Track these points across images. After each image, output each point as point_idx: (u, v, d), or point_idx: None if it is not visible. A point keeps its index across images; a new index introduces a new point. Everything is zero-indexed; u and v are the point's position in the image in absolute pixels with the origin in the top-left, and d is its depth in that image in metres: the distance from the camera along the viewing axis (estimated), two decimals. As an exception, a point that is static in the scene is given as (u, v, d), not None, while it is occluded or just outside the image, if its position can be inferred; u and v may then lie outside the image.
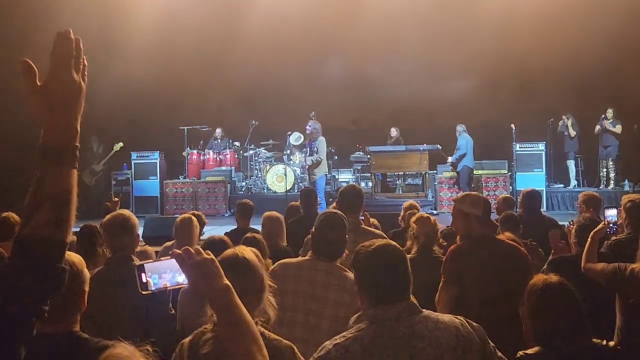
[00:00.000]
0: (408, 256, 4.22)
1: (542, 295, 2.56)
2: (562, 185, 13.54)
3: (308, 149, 11.23)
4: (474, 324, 2.16)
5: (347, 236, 3.39)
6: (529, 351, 2.57)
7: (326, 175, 11.69)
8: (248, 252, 2.38)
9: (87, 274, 2.40)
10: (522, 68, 14.05)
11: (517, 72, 14.26)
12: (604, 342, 2.58)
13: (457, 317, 2.17)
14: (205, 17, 14.23)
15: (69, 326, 2.27)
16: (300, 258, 3.53)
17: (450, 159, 12.71)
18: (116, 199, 5.43)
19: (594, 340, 2.57)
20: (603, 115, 12.90)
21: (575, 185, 13.35)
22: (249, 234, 4.37)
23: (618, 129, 12.80)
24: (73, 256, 2.34)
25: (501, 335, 3.33)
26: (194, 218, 4.85)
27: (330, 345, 2.09)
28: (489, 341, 2.15)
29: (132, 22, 13.77)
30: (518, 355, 2.55)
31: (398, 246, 2.26)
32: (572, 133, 13.31)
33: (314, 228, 3.40)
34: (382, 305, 2.10)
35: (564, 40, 13.36)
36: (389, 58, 15.43)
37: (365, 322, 2.10)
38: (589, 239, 3.87)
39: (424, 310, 2.15)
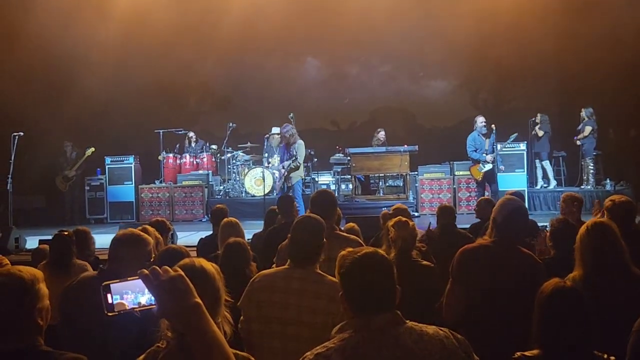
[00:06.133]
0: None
1: (551, 299, 2.51)
2: (544, 186, 13.40)
3: (286, 153, 10.92)
4: (459, 336, 2.11)
5: (324, 240, 3.30)
6: (528, 353, 2.51)
7: (303, 179, 11.42)
8: (206, 263, 2.35)
9: (42, 289, 2.30)
10: (502, 67, 13.94)
11: (497, 72, 14.16)
12: (605, 356, 2.46)
13: (442, 329, 2.12)
14: (179, 19, 13.96)
15: (26, 341, 2.20)
16: (277, 268, 3.44)
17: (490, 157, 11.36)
18: None
19: (596, 352, 2.46)
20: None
21: (555, 185, 13.23)
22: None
23: (587, 130, 12.65)
24: (24, 272, 2.28)
25: (503, 342, 3.18)
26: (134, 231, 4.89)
27: (311, 355, 2.04)
28: (473, 354, 2.11)
29: (103, 24, 13.46)
30: (516, 355, 2.51)
31: (385, 255, 2.19)
32: (540, 133, 13.16)
33: (289, 234, 3.32)
34: (366, 315, 2.05)
35: (544, 40, 13.27)
36: (367, 58, 15.30)
37: (349, 332, 2.05)
38: None
39: (407, 321, 2.09)
